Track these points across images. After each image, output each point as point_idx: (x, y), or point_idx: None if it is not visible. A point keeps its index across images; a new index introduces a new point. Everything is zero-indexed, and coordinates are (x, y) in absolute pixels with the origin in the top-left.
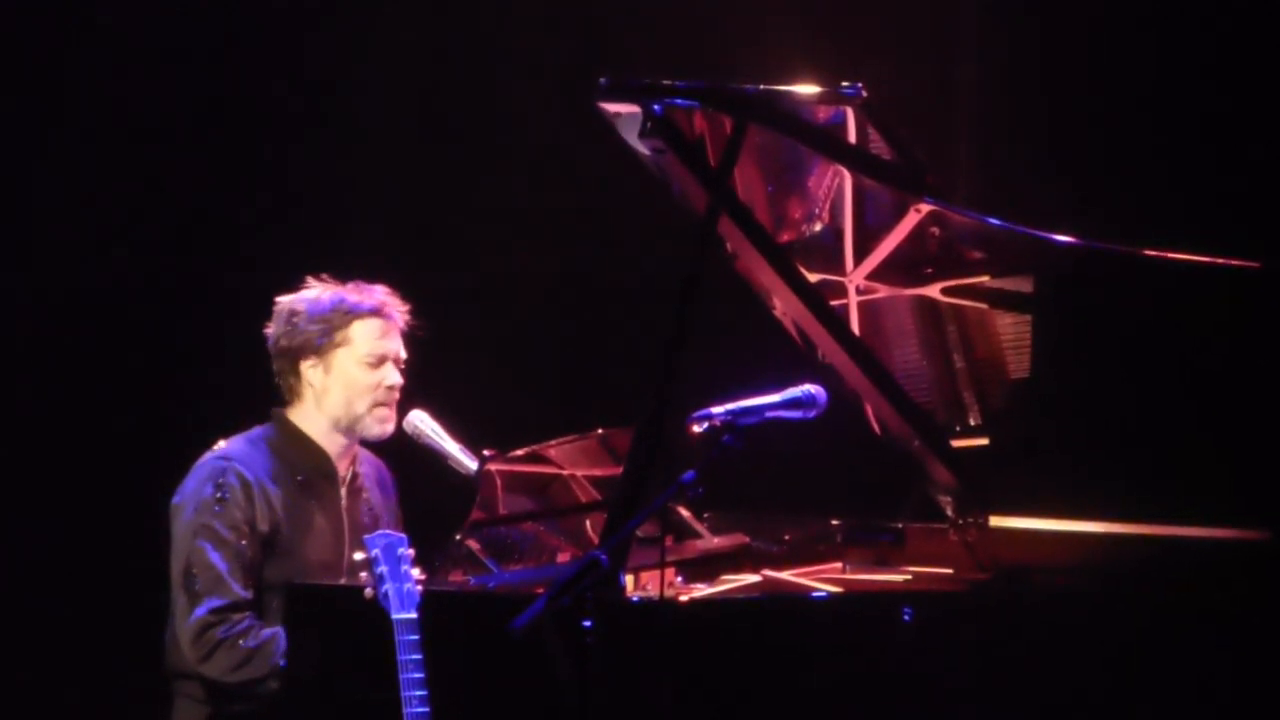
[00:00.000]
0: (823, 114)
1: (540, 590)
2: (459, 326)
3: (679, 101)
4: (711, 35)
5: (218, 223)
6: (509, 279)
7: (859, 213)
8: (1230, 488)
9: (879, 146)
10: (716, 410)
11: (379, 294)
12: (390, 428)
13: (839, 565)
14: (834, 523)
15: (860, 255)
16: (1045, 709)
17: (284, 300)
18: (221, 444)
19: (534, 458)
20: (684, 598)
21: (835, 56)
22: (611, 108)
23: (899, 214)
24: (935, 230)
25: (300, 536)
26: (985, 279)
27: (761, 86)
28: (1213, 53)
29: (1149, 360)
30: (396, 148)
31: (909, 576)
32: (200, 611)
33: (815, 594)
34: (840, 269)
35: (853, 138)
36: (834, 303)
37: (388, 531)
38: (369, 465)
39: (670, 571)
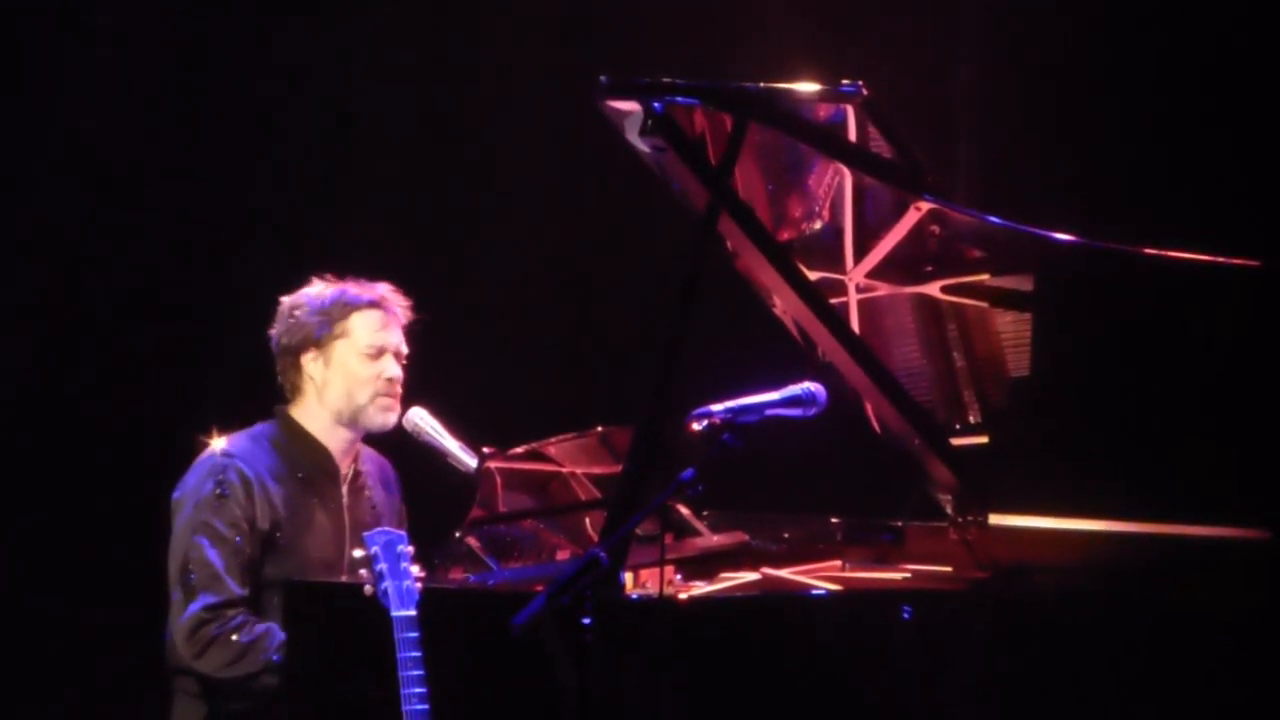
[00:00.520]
0: (823, 112)
1: (540, 588)
2: (459, 324)
3: (680, 100)
4: (712, 34)
5: (219, 221)
6: (509, 277)
7: (859, 211)
8: (1230, 487)
9: (879, 145)
10: (716, 408)
11: (380, 288)
12: (394, 418)
13: (838, 563)
14: (833, 521)
15: (860, 253)
16: (1044, 708)
17: (287, 299)
18: (223, 440)
19: (534, 455)
20: (683, 596)
21: (835, 55)
22: (612, 106)
23: (899, 212)
24: (935, 228)
25: (301, 534)
26: (985, 277)
27: (762, 85)
28: (1213, 51)
29: (1149, 359)
30: (396, 146)
31: (908, 575)
32: (194, 608)
33: (814, 592)
34: (840, 267)
35: (853, 136)
36: (834, 301)
37: (387, 529)
38: (372, 463)
39: (670, 569)
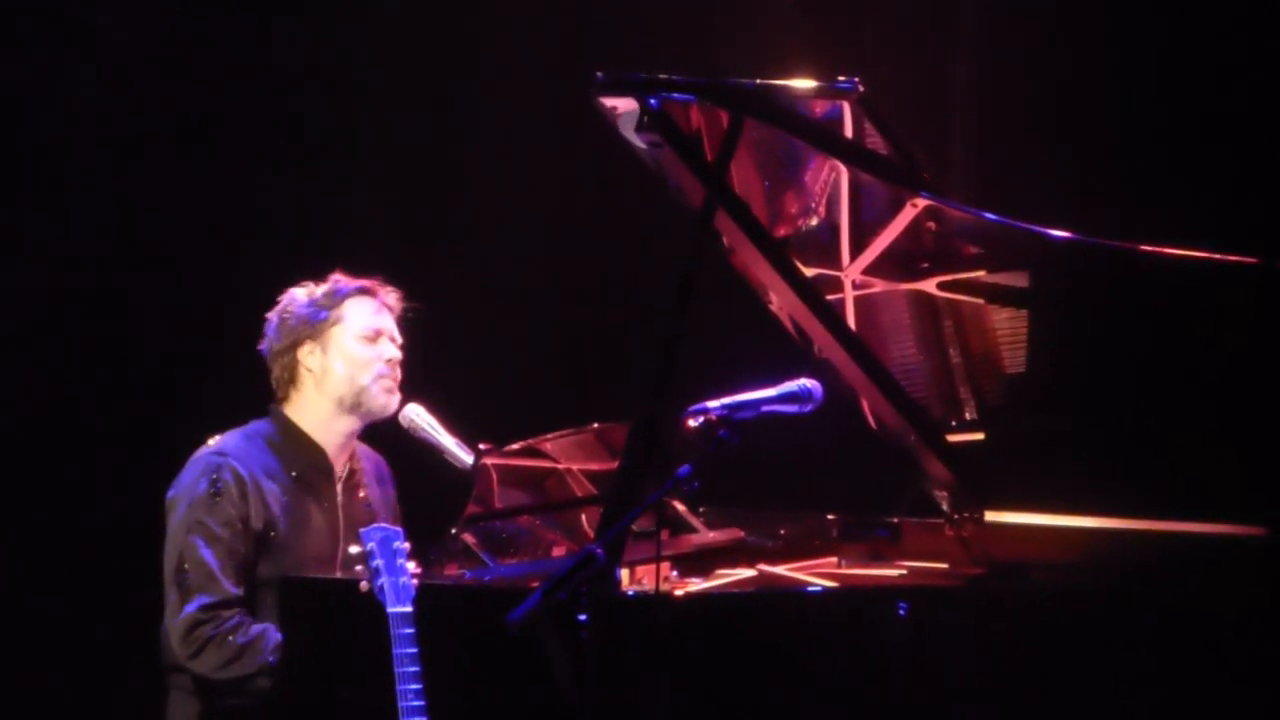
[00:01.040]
0: (819, 109)
1: (536, 584)
2: (455, 320)
3: (675, 96)
4: (708, 30)
5: (215, 220)
6: (505, 273)
7: (855, 207)
8: (1227, 484)
9: (875, 141)
10: (712, 404)
11: (369, 281)
12: (395, 400)
13: (834, 560)
14: (829, 517)
15: (856, 250)
16: (1040, 704)
17: (272, 312)
18: (217, 439)
19: (530, 452)
20: (679, 592)
21: (832, 51)
22: (608, 102)
23: (895, 209)
24: (931, 225)
25: (295, 533)
26: (981, 274)
27: (758, 81)
28: (1210, 49)
29: (1145, 356)
30: (392, 145)
31: (904, 571)
32: (190, 608)
33: (810, 589)
34: (836, 264)
35: (849, 132)
36: (830, 297)
37: (384, 525)
38: (368, 461)
39: (666, 566)
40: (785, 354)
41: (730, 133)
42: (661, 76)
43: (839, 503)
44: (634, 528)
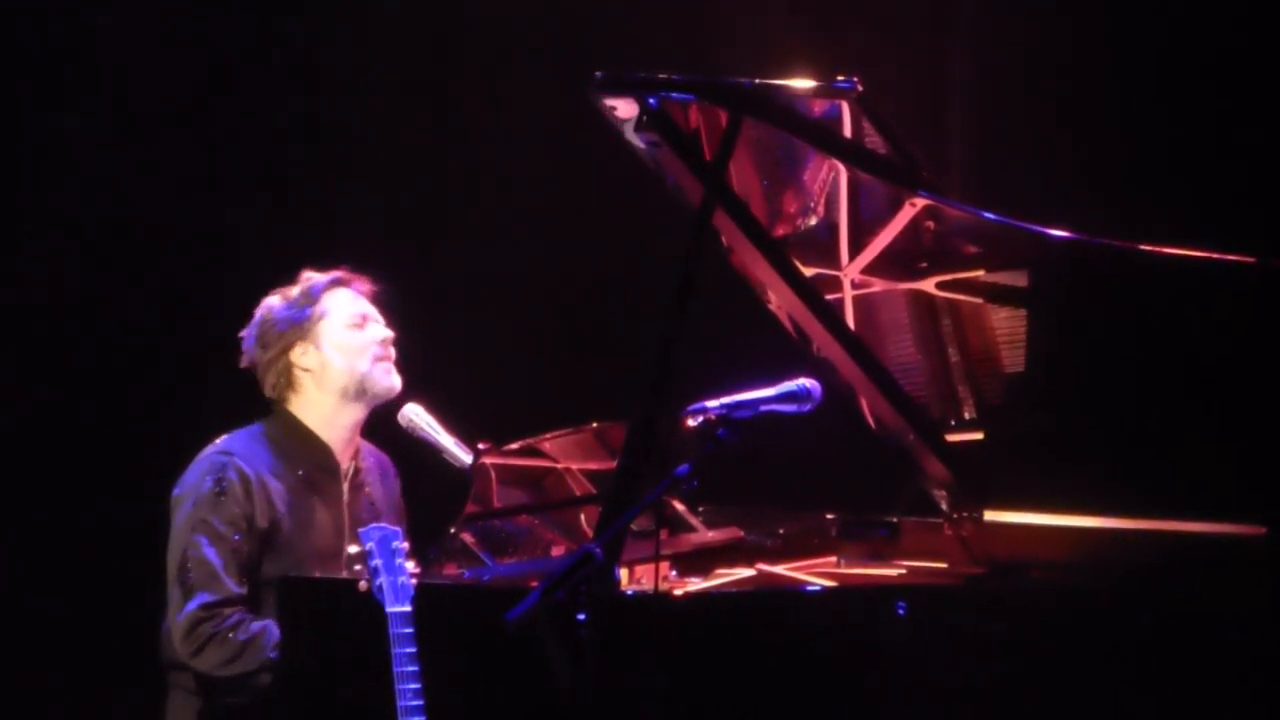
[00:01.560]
0: (818, 108)
1: (534, 584)
2: (454, 319)
3: (674, 95)
4: (708, 29)
5: (217, 218)
6: (504, 272)
7: (854, 207)
8: (1227, 483)
9: (874, 140)
10: (711, 404)
11: (340, 271)
12: (396, 382)
13: (833, 559)
14: (828, 517)
15: (855, 249)
16: (1040, 704)
17: (246, 330)
18: (223, 438)
19: (529, 451)
20: (678, 591)
21: (831, 51)
22: (607, 101)
23: (894, 208)
24: (930, 224)
25: (301, 531)
26: (980, 273)
27: (757, 80)
28: (1209, 48)
29: (1144, 355)
30: (391, 143)
31: (903, 571)
32: (192, 606)
33: (809, 588)
34: (835, 263)
35: (848, 132)
36: (829, 297)
37: (382, 524)
38: (372, 459)
39: (665, 565)
40: (784, 353)
41: (729, 132)
42: (660, 76)
43: (838, 502)
44: (633, 527)
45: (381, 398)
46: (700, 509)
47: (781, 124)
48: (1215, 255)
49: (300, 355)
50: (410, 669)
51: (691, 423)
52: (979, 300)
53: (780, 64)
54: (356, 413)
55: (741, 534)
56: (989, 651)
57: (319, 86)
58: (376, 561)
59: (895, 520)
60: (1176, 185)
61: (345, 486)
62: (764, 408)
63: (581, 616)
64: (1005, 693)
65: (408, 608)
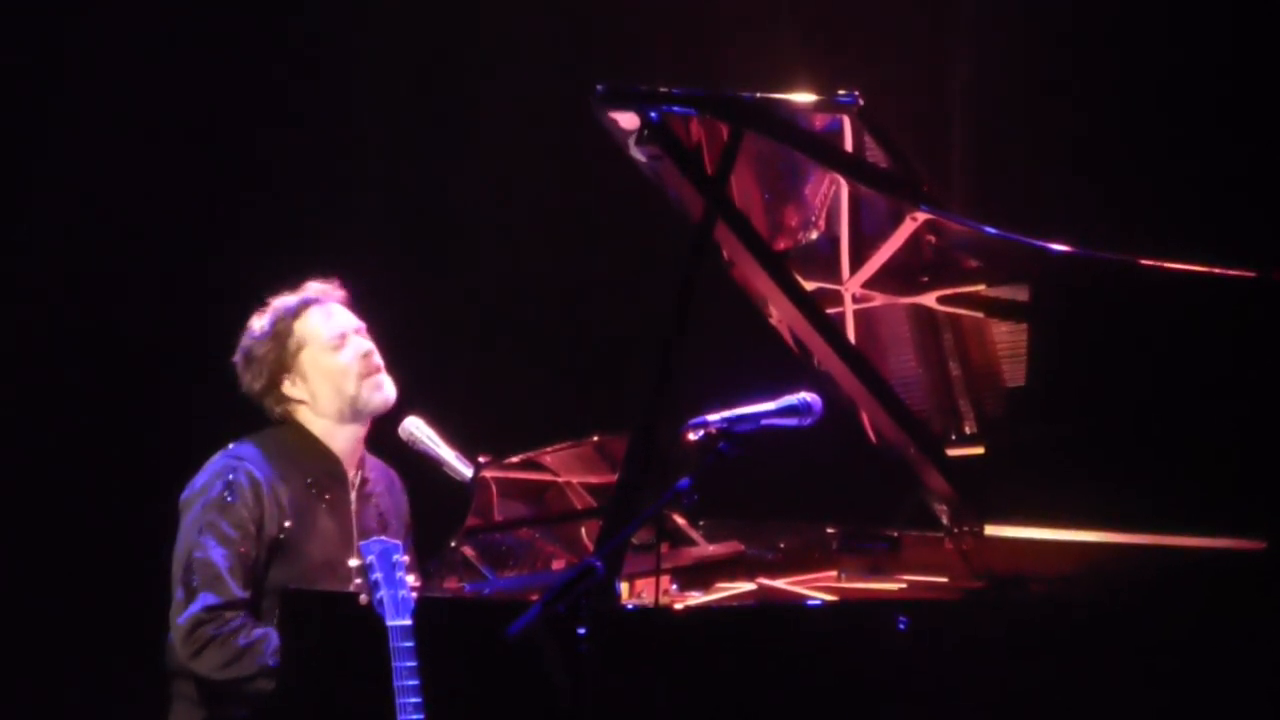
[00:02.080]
0: (819, 122)
1: (535, 597)
2: (454, 332)
3: (676, 108)
4: (709, 43)
5: (226, 223)
6: (505, 285)
7: (855, 221)
8: (1227, 497)
9: (875, 155)
10: (712, 417)
11: (305, 288)
12: (389, 393)
13: (834, 573)
14: (829, 531)
15: (856, 263)
16: (1041, 718)
17: (235, 358)
18: (234, 443)
19: (529, 464)
20: (679, 605)
21: (832, 65)
22: (609, 114)
23: (895, 222)
24: (931, 238)
25: (308, 538)
26: (981, 287)
27: (758, 94)
28: (1211, 61)
29: (1145, 369)
30: (392, 151)
31: (904, 585)
32: (194, 608)
33: (810, 602)
34: (836, 277)
35: (849, 146)
36: (830, 311)
37: (383, 538)
38: (378, 471)
39: (665, 579)
40: (785, 367)
41: (730, 146)
42: (662, 89)
43: (838, 516)
44: (633, 540)
45: (378, 411)
46: (701, 523)
47: (783, 138)
48: (1216, 269)
49: (289, 387)
50: (411, 683)
51: (692, 436)
52: (980, 314)
53: (782, 78)
54: (357, 430)
55: (742, 548)
56: (989, 665)
57: (319, 96)
58: (377, 575)
59: (896, 534)
60: (1179, 198)
61: (353, 495)
62: (765, 421)
63: (582, 630)
64: (1006, 707)
65: (408, 621)
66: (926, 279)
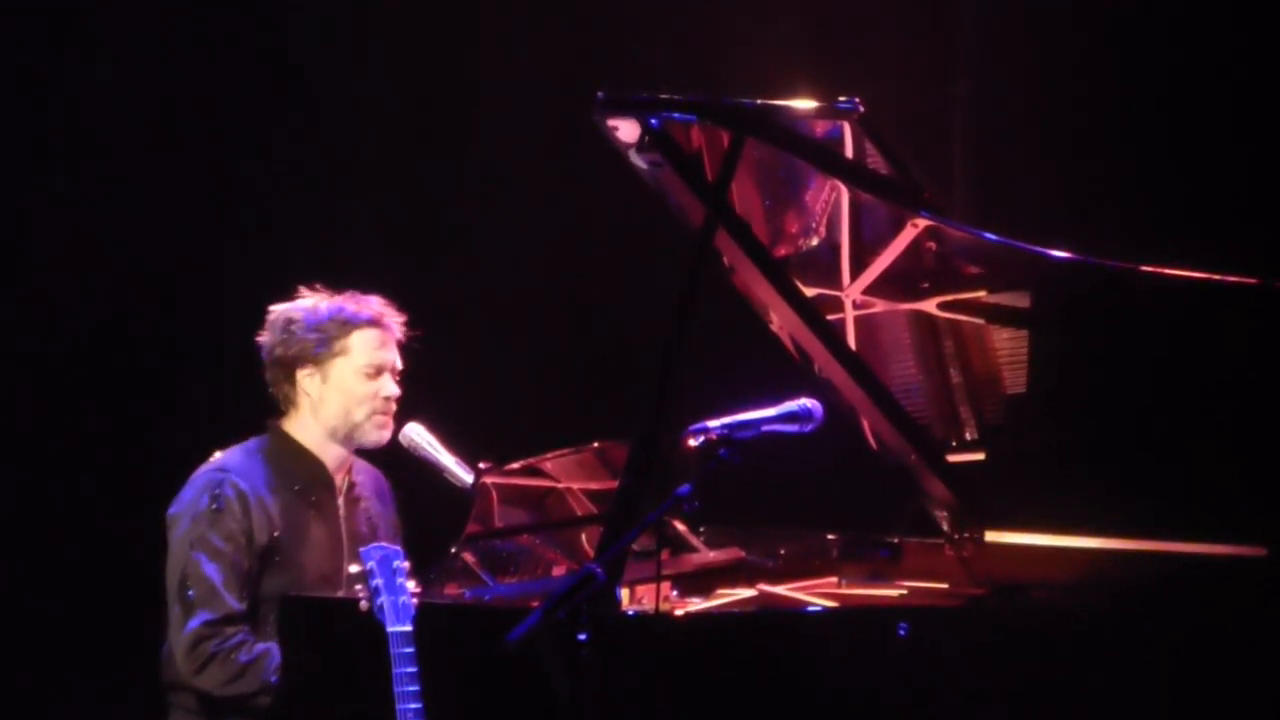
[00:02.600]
0: (820, 129)
1: (536, 603)
2: (455, 339)
3: (676, 115)
4: (709, 49)
5: (214, 232)
6: (506, 291)
7: (856, 227)
8: (1228, 504)
9: (876, 161)
10: (713, 424)
11: (375, 304)
12: (387, 435)
13: (834, 580)
14: (830, 537)
15: (857, 270)
16: None
17: (278, 309)
18: (218, 456)
19: (530, 471)
20: (679, 612)
21: (832, 72)
22: (609, 121)
23: (896, 229)
24: (932, 245)
25: (299, 547)
26: (982, 294)
27: (759, 101)
28: (1210, 70)
29: (1145, 376)
30: (394, 159)
31: (904, 592)
32: (194, 624)
33: (810, 609)
34: (837, 283)
35: (850, 152)
36: (830, 317)
37: (383, 544)
38: (365, 475)
39: (666, 585)
40: (786, 374)
41: (731, 152)
42: (663, 96)
43: (839, 522)
44: (634, 547)
45: (367, 448)
46: (701, 529)
47: (783, 144)
48: (1217, 276)
49: (305, 377)
50: (411, 689)
51: (693, 442)
52: (981, 321)
53: (782, 84)
54: (343, 448)
55: (743, 554)
56: (990, 672)
57: (323, 101)
58: (377, 581)
59: (896, 541)
60: (1180, 205)
61: (340, 501)
62: (765, 428)
63: (582, 636)
64: (1006, 714)
65: (408, 627)
66: (927, 285)
